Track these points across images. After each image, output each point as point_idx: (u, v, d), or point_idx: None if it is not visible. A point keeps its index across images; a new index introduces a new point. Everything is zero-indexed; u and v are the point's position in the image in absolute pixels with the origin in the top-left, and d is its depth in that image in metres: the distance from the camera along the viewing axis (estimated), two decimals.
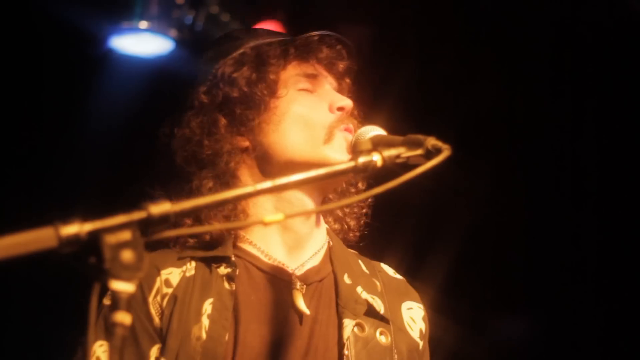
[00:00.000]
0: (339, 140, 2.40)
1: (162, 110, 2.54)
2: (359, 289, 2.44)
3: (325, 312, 2.39)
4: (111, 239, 1.49)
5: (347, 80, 2.59)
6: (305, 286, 2.39)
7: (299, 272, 2.42)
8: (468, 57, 4.67)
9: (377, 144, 1.93)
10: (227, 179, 2.42)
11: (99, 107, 4.56)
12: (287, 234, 2.43)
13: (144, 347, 2.27)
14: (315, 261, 2.46)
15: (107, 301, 2.19)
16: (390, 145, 1.88)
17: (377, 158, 1.83)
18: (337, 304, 2.40)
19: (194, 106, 2.47)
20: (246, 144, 2.45)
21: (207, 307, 2.30)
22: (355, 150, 2.25)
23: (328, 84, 2.51)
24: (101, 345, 2.26)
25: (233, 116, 2.44)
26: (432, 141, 1.85)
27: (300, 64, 2.49)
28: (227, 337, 2.28)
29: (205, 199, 1.71)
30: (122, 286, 1.49)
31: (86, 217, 1.51)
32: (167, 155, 2.47)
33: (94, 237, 1.49)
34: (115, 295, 1.49)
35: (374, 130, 2.25)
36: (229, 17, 4.74)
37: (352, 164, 1.83)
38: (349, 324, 2.36)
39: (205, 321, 2.28)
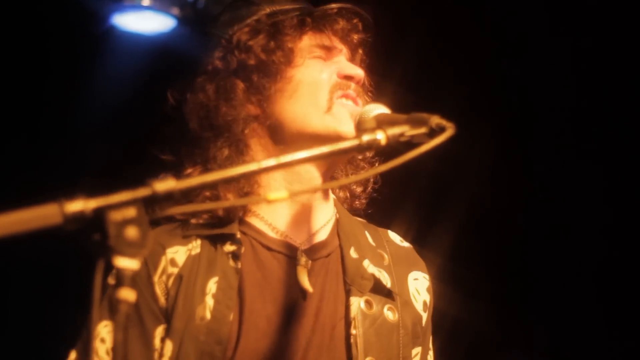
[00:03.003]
0: (337, 108, 2.39)
1: (164, 88, 2.53)
2: (366, 263, 2.43)
3: (332, 289, 2.38)
4: (116, 215, 1.49)
5: (361, 52, 2.57)
6: (310, 262, 2.38)
7: (305, 247, 2.41)
8: (473, 33, 4.66)
9: (381, 123, 1.93)
10: (242, 147, 2.40)
11: (101, 85, 4.56)
12: (295, 206, 2.42)
13: (149, 327, 2.27)
14: (323, 235, 2.45)
15: (111, 280, 2.17)
16: (394, 123, 1.87)
17: (381, 136, 1.83)
18: (344, 281, 2.39)
19: (208, 71, 2.45)
20: (258, 112, 2.43)
21: (212, 286, 2.29)
22: (359, 128, 2.25)
23: (342, 55, 2.50)
24: (106, 326, 2.25)
25: (249, 83, 2.42)
26: (436, 120, 1.85)
27: (316, 34, 2.47)
28: (231, 317, 2.27)
29: (210, 176, 1.70)
30: (127, 263, 1.49)
31: (90, 194, 1.51)
32: (179, 121, 2.45)
33: (99, 214, 1.49)
34: (119, 272, 1.49)
35: (378, 109, 2.25)
36: None
37: (356, 142, 1.83)
38: (355, 302, 2.35)
39: (209, 301, 2.27)
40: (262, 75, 2.41)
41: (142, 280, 2.28)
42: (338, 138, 2.30)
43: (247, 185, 2.37)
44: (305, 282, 2.35)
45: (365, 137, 1.83)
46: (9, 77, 4.57)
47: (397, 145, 1.84)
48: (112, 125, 4.62)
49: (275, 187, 2.38)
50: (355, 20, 2.50)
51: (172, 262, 2.31)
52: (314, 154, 1.76)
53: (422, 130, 1.84)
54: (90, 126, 4.59)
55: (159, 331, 2.27)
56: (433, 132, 1.82)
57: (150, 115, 2.55)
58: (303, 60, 2.44)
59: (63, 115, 4.65)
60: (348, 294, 2.37)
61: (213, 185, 2.31)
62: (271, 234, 2.41)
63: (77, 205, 1.48)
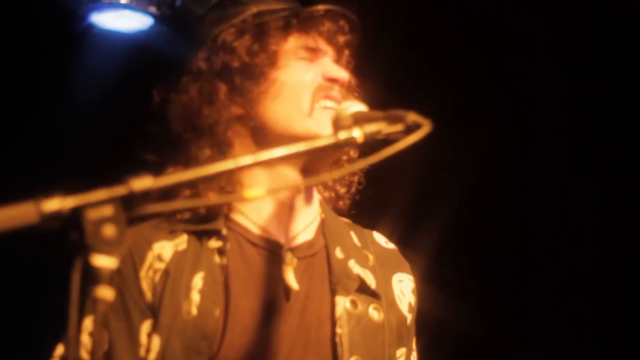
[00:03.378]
0: (318, 112, 2.39)
1: (141, 86, 2.52)
2: (351, 263, 2.44)
3: (317, 288, 2.38)
4: (92, 214, 1.49)
5: (347, 53, 2.56)
6: (296, 260, 2.38)
7: (290, 245, 2.41)
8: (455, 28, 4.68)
9: (358, 120, 1.93)
10: (224, 148, 2.39)
11: (79, 83, 4.55)
12: (277, 205, 2.42)
13: (135, 322, 2.26)
14: (308, 235, 2.45)
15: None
16: (371, 120, 1.87)
17: (357, 134, 1.83)
18: (330, 280, 2.39)
19: (192, 71, 2.45)
20: (241, 113, 2.42)
21: (198, 281, 2.28)
22: (336, 125, 2.25)
23: (328, 57, 2.49)
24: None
25: (232, 85, 2.41)
26: (412, 117, 1.84)
27: (302, 35, 2.46)
28: (217, 313, 2.26)
29: (187, 174, 1.70)
30: (104, 261, 1.48)
31: (68, 192, 1.50)
32: (161, 120, 2.45)
33: (76, 213, 1.48)
34: (96, 271, 1.49)
35: (355, 106, 2.24)
36: None
37: (333, 139, 1.83)
38: (340, 301, 2.35)
39: (195, 296, 2.26)
40: (246, 77, 2.40)
41: (128, 275, 2.27)
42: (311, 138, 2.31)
43: (228, 184, 2.37)
44: (291, 280, 2.35)
45: (342, 135, 1.83)
46: None
47: (374, 142, 1.84)
48: (90, 123, 4.61)
49: (259, 185, 2.37)
50: (341, 22, 2.49)
51: (159, 258, 2.31)
52: (291, 151, 1.76)
53: (399, 127, 1.84)
54: (68, 124, 4.58)
55: (145, 326, 2.26)
56: (409, 129, 1.82)
57: (129, 113, 2.55)
58: (287, 62, 2.43)
59: (41, 113, 4.64)
60: (333, 293, 2.37)
61: (193, 184, 2.31)
62: (256, 231, 2.41)
63: (54, 204, 1.47)
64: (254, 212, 2.42)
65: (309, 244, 2.44)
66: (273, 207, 2.42)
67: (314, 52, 2.46)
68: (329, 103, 2.41)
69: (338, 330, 2.32)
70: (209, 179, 2.27)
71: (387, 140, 1.85)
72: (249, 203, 2.41)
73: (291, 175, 2.39)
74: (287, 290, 2.35)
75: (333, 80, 2.43)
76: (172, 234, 2.36)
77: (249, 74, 2.40)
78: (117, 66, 4.56)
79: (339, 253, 2.44)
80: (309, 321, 2.33)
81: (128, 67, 4.44)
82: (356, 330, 2.34)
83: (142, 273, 2.29)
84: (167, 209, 2.19)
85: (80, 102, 4.54)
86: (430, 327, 3.45)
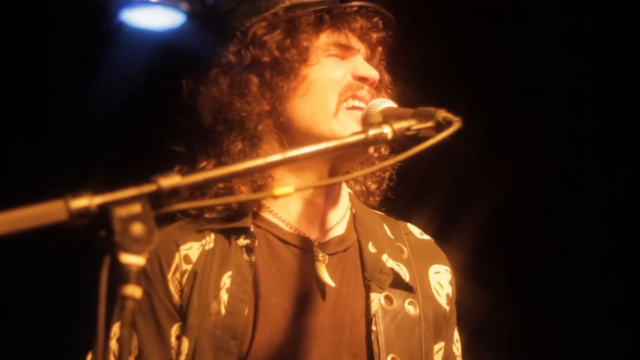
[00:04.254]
0: (344, 113, 2.36)
1: (173, 83, 2.52)
2: (385, 257, 2.41)
3: (351, 284, 2.36)
4: (121, 212, 1.48)
5: (380, 50, 2.52)
6: (327, 257, 2.36)
7: (321, 241, 2.39)
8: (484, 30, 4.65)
9: (388, 117, 1.93)
10: (255, 142, 2.37)
11: (109, 81, 4.56)
12: (305, 203, 2.40)
13: (165, 326, 2.26)
14: (339, 230, 2.44)
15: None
16: (400, 117, 1.86)
17: (387, 130, 1.82)
18: (363, 276, 2.37)
19: (222, 64, 2.42)
20: (270, 107, 2.39)
21: (226, 280, 2.27)
22: (365, 122, 2.23)
23: (360, 54, 2.45)
24: None
25: (263, 79, 2.39)
26: (442, 113, 1.83)
27: (334, 32, 2.42)
28: (246, 312, 2.25)
29: (215, 172, 1.69)
30: (132, 259, 1.48)
31: (96, 190, 1.50)
32: (192, 114, 2.44)
33: (104, 210, 1.48)
34: (125, 269, 1.48)
35: (385, 103, 2.23)
36: None
37: (362, 136, 1.81)
38: (375, 298, 2.33)
39: (224, 295, 2.25)
40: (276, 72, 2.38)
41: (156, 279, 2.27)
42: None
43: (260, 178, 2.35)
44: (325, 276, 2.33)
45: (372, 132, 1.82)
46: (17, 73, 4.57)
47: (404, 139, 1.83)
48: (121, 121, 4.63)
49: (286, 183, 2.36)
50: (375, 19, 2.45)
51: (186, 259, 2.30)
52: (320, 148, 1.75)
53: (429, 124, 1.83)
54: (98, 122, 4.59)
55: (175, 329, 2.26)
56: (440, 126, 1.81)
57: (159, 111, 2.54)
58: (318, 58, 2.40)
59: (71, 111, 4.66)
60: (368, 289, 2.35)
61: (226, 179, 2.29)
62: (286, 228, 2.39)
63: (83, 202, 1.47)
64: (283, 209, 2.40)
65: (340, 240, 2.42)
66: (302, 205, 2.40)
67: (345, 49, 2.43)
68: (356, 103, 2.38)
69: (374, 328, 2.30)
70: (237, 176, 2.25)
71: (417, 137, 1.84)
72: (278, 201, 2.40)
73: (316, 172, 2.37)
74: (321, 287, 2.33)
75: (363, 79, 2.40)
76: (199, 233, 2.34)
77: (279, 69, 2.38)
78: (148, 64, 4.56)
79: (371, 247, 2.41)
80: (342, 319, 2.31)
81: (159, 65, 4.44)
82: (392, 327, 2.31)
83: (170, 276, 2.28)
84: (195, 205, 2.20)
85: (110, 100, 4.56)
86: (471, 324, 3.42)
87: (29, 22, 4.54)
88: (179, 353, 2.23)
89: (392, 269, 2.40)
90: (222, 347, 2.22)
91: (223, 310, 2.24)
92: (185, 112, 2.46)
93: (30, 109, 4.62)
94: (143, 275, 1.64)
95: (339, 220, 2.45)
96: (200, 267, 2.28)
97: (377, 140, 1.81)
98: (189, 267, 2.29)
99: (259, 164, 1.71)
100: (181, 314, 2.26)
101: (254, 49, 2.40)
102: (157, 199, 1.53)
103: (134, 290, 1.48)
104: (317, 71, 2.39)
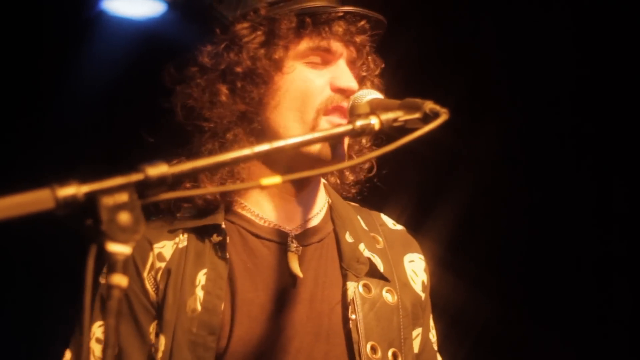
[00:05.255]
0: (323, 128, 2.30)
1: (153, 73, 2.50)
2: (362, 247, 2.42)
3: (327, 274, 2.37)
4: (108, 200, 1.48)
5: (367, 49, 2.44)
6: (301, 248, 2.36)
7: (297, 233, 2.39)
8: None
9: (375, 108, 1.93)
10: (227, 146, 2.33)
11: (90, 70, 4.53)
12: (281, 199, 2.39)
13: (143, 322, 2.26)
14: (315, 222, 2.43)
15: (102, 280, 2.13)
16: (387, 108, 1.87)
17: (374, 121, 1.82)
18: (340, 266, 2.38)
19: (197, 64, 2.38)
20: (243, 109, 2.34)
21: (201, 277, 2.27)
22: (353, 113, 2.22)
23: (343, 58, 2.37)
24: (100, 326, 2.23)
25: (234, 88, 2.34)
26: (429, 105, 1.84)
27: (315, 37, 2.33)
28: (222, 307, 2.25)
29: (203, 162, 1.69)
30: (119, 248, 1.48)
31: (83, 179, 1.50)
32: (168, 110, 2.41)
33: (91, 199, 1.48)
34: (111, 258, 1.48)
35: (372, 94, 2.22)
36: None
37: (349, 127, 1.82)
38: (351, 286, 2.34)
39: (199, 293, 2.25)
40: (249, 81, 2.33)
41: (132, 277, 2.25)
42: (317, 160, 2.28)
43: (229, 177, 2.34)
44: (295, 267, 2.33)
45: (359, 122, 1.82)
46: None
47: (391, 130, 1.83)
48: (102, 111, 4.61)
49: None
50: (362, 23, 2.38)
51: (159, 257, 2.30)
52: (307, 138, 1.76)
53: (416, 115, 1.84)
54: (79, 111, 4.57)
55: (153, 326, 2.26)
56: (427, 118, 1.82)
57: (139, 101, 2.53)
58: (294, 67, 2.33)
59: (52, 100, 4.63)
60: (344, 278, 2.36)
61: (194, 177, 2.29)
62: (259, 222, 2.39)
63: (69, 190, 1.46)
64: (256, 205, 2.40)
65: (315, 230, 2.42)
66: (277, 199, 2.39)
67: (327, 53, 2.35)
68: (336, 119, 2.31)
69: (352, 316, 2.30)
70: (223, 166, 2.23)
71: (404, 128, 1.84)
72: (251, 196, 2.39)
73: (290, 171, 2.32)
74: (292, 278, 2.33)
75: (342, 91, 2.33)
76: (171, 233, 2.33)
77: (252, 79, 2.33)
78: (129, 53, 4.54)
79: (348, 237, 2.42)
80: (319, 309, 2.32)
81: (140, 54, 4.42)
82: (371, 314, 2.32)
83: (145, 274, 2.28)
84: (181, 195, 2.19)
85: (90, 90, 4.53)
86: (447, 313, 3.44)
87: (8, 10, 4.50)
88: (156, 350, 2.23)
89: (368, 259, 2.41)
90: (199, 343, 2.22)
91: (199, 307, 2.24)
92: (165, 107, 2.44)
93: (12, 99, 4.59)
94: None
95: (317, 212, 2.45)
96: (175, 265, 2.28)
97: (365, 131, 1.82)
98: (163, 264, 2.29)
99: (247, 154, 1.71)
100: (158, 311, 2.26)
101: (230, 54, 2.35)
102: (144, 188, 1.53)
103: (120, 280, 1.48)
104: (292, 82, 2.33)
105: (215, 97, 2.35)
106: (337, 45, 2.36)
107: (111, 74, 4.52)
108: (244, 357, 2.26)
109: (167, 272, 2.28)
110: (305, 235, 2.39)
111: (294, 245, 2.35)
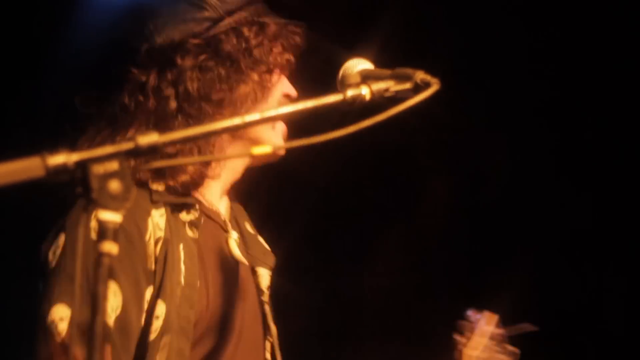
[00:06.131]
0: (278, 126, 2.43)
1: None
2: (260, 239, 2.61)
3: (247, 259, 2.52)
4: (99, 169, 1.49)
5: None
6: (236, 233, 2.50)
7: (225, 219, 2.50)
8: None
9: (366, 78, 1.92)
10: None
11: (73, 41, 4.51)
12: (223, 183, 2.47)
13: (142, 288, 2.25)
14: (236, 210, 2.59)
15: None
16: (378, 78, 1.87)
17: (365, 91, 1.83)
18: (247, 252, 2.52)
19: (136, 82, 2.39)
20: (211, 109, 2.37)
21: (182, 252, 2.31)
22: (343, 83, 2.22)
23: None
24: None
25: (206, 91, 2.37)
26: (420, 75, 1.85)
27: (283, 50, 2.47)
28: (198, 284, 2.31)
29: (192, 130, 1.70)
30: (109, 216, 1.48)
31: (73, 147, 1.50)
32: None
33: (82, 167, 1.48)
34: (102, 225, 1.48)
35: (362, 64, 2.22)
36: None
37: (340, 96, 1.82)
38: (265, 273, 2.52)
39: (182, 267, 2.29)
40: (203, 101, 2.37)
41: (135, 240, 2.24)
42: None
43: (207, 148, 2.36)
44: (238, 253, 2.46)
45: (350, 92, 1.82)
46: None
47: (382, 100, 1.84)
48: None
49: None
50: (299, 34, 2.50)
51: (157, 226, 2.29)
52: (298, 108, 1.75)
53: (407, 85, 1.84)
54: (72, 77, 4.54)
55: (148, 292, 2.25)
56: (418, 88, 1.82)
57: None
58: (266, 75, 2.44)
59: (43, 66, 4.60)
60: (254, 264, 2.52)
61: (203, 137, 2.24)
62: (207, 205, 2.45)
63: (60, 158, 1.47)
64: (207, 190, 2.44)
65: (236, 221, 2.57)
66: (219, 186, 2.46)
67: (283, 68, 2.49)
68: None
69: (265, 299, 2.50)
70: (215, 134, 2.23)
71: (395, 99, 1.84)
72: (206, 184, 2.42)
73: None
74: (234, 262, 2.45)
75: (289, 97, 2.47)
76: (154, 204, 2.32)
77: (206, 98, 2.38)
78: (116, 27, 4.50)
79: (249, 228, 2.59)
80: (251, 291, 2.48)
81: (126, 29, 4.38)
82: (270, 300, 2.53)
83: (147, 239, 2.27)
84: (172, 163, 2.20)
85: (78, 60, 4.50)
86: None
87: None
88: (155, 317, 2.24)
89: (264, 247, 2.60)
90: (183, 316, 2.26)
91: (182, 281, 2.28)
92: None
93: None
94: (123, 237, 1.61)
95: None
96: (169, 235, 2.30)
97: (356, 102, 1.82)
98: (161, 233, 2.29)
99: (237, 123, 1.71)
100: (154, 278, 2.26)
101: (209, 59, 2.37)
102: (134, 157, 1.54)
103: (110, 247, 1.49)
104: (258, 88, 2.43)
105: (186, 94, 2.37)
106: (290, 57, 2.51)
107: (94, 46, 4.49)
108: (215, 334, 2.34)
109: (165, 241, 2.28)
110: (231, 222, 2.52)
111: (233, 231, 2.49)
